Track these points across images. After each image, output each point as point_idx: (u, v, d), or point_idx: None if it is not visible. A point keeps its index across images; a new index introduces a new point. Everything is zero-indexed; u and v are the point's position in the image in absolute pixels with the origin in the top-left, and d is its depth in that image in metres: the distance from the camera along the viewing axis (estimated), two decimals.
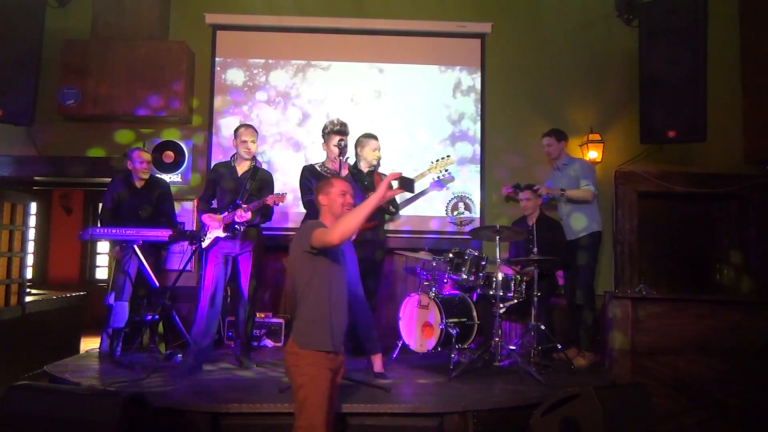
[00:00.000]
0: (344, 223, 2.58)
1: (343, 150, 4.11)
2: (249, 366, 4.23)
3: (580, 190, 4.77)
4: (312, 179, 4.26)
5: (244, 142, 4.35)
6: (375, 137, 4.83)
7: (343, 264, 2.82)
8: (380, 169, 5.01)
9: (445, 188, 5.61)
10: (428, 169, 5.22)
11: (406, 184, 4.29)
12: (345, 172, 4.20)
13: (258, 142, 4.53)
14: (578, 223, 4.81)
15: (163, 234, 4.43)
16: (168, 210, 4.91)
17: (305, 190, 4.29)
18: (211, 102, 5.75)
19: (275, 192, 4.27)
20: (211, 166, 4.91)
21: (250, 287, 4.31)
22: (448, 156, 5.28)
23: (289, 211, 5.55)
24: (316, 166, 4.44)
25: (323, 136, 4.43)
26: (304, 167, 4.41)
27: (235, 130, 4.46)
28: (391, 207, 5.09)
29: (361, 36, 5.86)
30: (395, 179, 2.77)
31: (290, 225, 5.54)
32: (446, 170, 5.33)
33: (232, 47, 5.80)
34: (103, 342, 4.79)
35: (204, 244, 4.26)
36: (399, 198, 5.25)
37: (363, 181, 4.60)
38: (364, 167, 4.77)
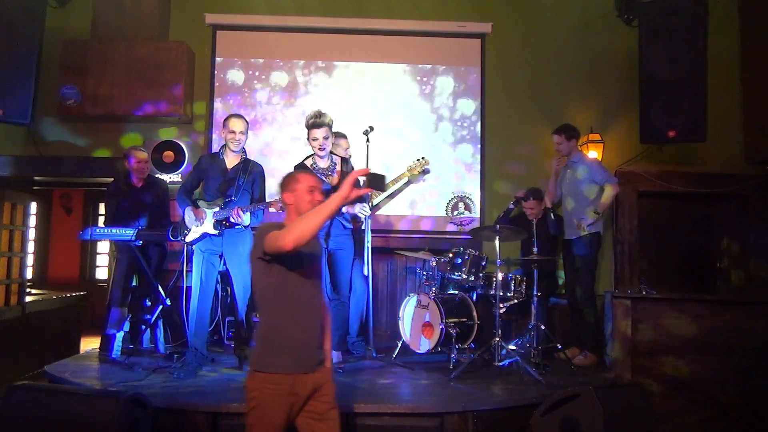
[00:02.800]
0: (300, 227, 2.13)
1: (322, 145, 3.96)
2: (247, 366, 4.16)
3: (607, 194, 4.67)
4: None
5: (233, 132, 4.10)
6: (344, 136, 4.71)
7: (308, 268, 2.41)
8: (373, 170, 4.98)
9: (421, 180, 5.66)
10: (404, 172, 5.39)
11: (376, 181, 3.41)
12: (337, 173, 4.03)
13: (248, 134, 4.29)
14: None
15: (163, 234, 4.44)
16: (166, 210, 4.91)
17: None
18: (211, 102, 5.75)
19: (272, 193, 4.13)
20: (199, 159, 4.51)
21: (243, 286, 4.17)
22: (423, 157, 5.42)
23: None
24: (306, 163, 4.19)
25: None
26: (295, 166, 4.17)
27: (224, 120, 4.22)
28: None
29: (361, 36, 5.86)
30: (363, 175, 2.35)
31: None
32: (423, 170, 5.49)
33: (232, 47, 5.81)
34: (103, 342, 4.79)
35: (188, 239, 4.14)
36: (377, 200, 5.32)
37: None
38: (317, 159, 4.33)
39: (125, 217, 4.65)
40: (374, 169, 5.49)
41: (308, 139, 4.12)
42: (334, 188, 4.05)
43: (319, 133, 3.99)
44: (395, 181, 5.40)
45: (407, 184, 5.59)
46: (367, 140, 4.04)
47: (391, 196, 5.63)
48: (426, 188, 5.71)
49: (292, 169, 4.14)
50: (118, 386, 3.56)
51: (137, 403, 2.94)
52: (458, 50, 5.85)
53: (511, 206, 5.11)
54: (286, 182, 2.49)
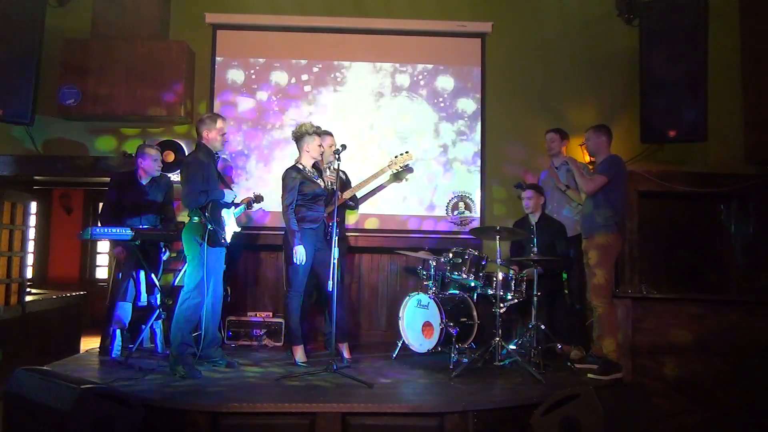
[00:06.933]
0: None
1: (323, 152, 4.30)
2: (232, 364, 4.20)
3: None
4: (302, 180, 4.23)
5: (224, 133, 4.18)
6: (330, 134, 4.75)
7: None
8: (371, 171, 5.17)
9: (404, 180, 5.62)
10: (387, 166, 5.24)
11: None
12: (327, 177, 4.31)
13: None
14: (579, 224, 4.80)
15: (165, 233, 4.45)
16: (171, 207, 4.88)
17: (289, 191, 4.18)
18: (211, 101, 5.75)
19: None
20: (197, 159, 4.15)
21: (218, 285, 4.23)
22: (407, 152, 5.29)
23: (272, 212, 5.44)
24: (299, 165, 4.32)
25: (300, 138, 4.30)
26: (287, 168, 4.29)
27: (216, 120, 4.14)
28: (350, 202, 5.04)
29: (361, 36, 5.86)
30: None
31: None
32: (405, 165, 5.34)
33: (232, 47, 5.80)
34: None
35: (229, 239, 4.12)
36: (359, 193, 5.19)
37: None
38: (308, 163, 4.41)
39: (128, 214, 4.59)
40: (373, 170, 5.51)
41: (311, 144, 4.29)
42: (326, 189, 4.33)
43: (328, 140, 4.34)
44: (375, 176, 5.19)
45: (395, 179, 5.56)
46: (338, 158, 4.05)
47: (375, 191, 5.57)
48: (426, 188, 5.71)
49: (285, 170, 4.30)
50: (117, 385, 3.56)
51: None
52: (458, 50, 5.85)
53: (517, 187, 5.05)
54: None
